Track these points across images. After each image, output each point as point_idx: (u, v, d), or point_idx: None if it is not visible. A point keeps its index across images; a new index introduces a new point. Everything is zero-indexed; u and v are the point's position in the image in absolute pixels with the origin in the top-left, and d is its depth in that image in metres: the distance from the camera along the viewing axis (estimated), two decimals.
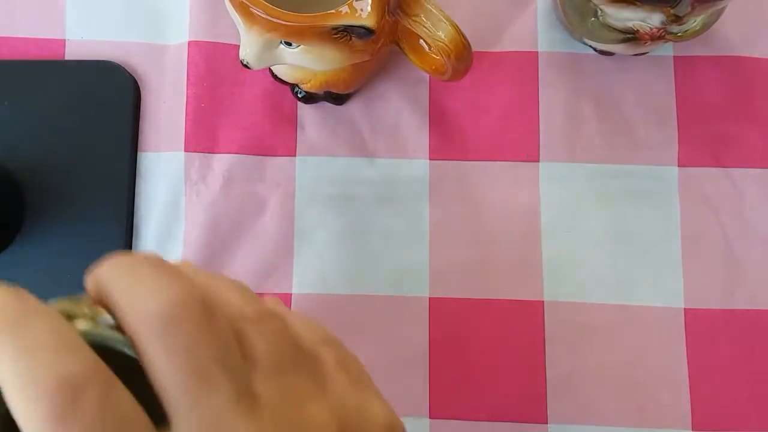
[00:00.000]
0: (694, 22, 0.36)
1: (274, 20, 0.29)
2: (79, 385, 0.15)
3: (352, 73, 0.36)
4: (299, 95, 0.40)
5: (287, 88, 0.41)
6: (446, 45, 0.31)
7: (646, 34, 0.35)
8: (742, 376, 0.38)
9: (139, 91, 0.41)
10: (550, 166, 0.40)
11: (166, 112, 0.41)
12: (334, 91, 0.38)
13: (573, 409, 0.38)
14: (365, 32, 0.29)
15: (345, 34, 0.30)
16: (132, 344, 0.17)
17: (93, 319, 0.18)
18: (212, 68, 0.41)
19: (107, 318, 0.18)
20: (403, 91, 0.41)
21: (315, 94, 0.39)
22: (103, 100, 0.41)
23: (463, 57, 0.32)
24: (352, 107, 0.41)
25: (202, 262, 0.39)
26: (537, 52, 0.41)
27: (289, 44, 0.31)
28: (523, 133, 0.40)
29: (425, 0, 0.31)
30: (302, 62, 0.32)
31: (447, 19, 0.31)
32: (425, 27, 0.31)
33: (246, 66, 0.32)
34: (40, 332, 0.16)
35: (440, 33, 0.31)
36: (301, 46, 0.31)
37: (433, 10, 0.31)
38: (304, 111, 0.41)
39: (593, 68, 0.41)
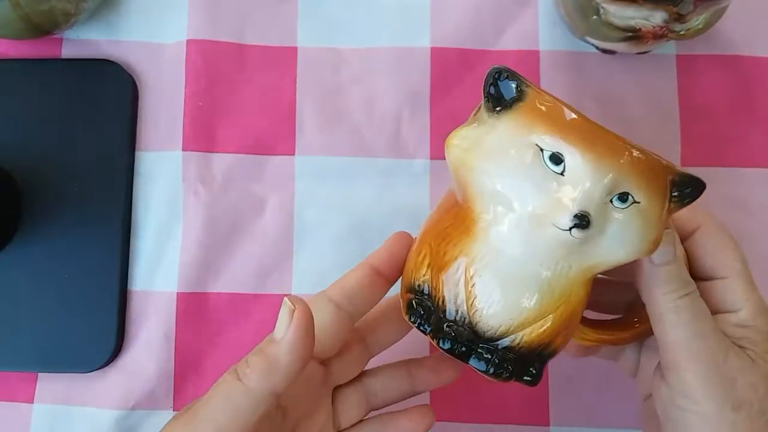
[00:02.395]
0: (697, 20, 0.36)
1: (640, 152, 0.24)
2: None
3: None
4: (491, 370, 0.26)
5: (287, 88, 0.41)
6: None
7: (649, 32, 0.35)
8: None
9: (137, 90, 0.41)
10: None
11: (164, 111, 0.41)
12: (552, 347, 0.27)
13: (575, 411, 0.38)
14: (692, 192, 0.26)
15: (675, 196, 0.26)
16: None
17: None
18: (210, 67, 0.40)
19: None
20: (403, 90, 0.40)
21: (520, 352, 0.26)
22: (101, 99, 0.40)
23: None
24: (353, 107, 0.40)
25: (200, 262, 0.39)
26: (538, 51, 0.41)
27: (623, 200, 0.24)
28: None
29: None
30: (617, 235, 0.24)
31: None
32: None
33: (582, 225, 0.23)
34: None
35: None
36: (634, 205, 0.24)
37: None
38: (304, 110, 0.40)
39: (595, 67, 0.40)
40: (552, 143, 0.24)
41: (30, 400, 0.39)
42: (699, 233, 0.29)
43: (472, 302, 0.26)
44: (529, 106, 0.25)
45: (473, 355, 0.26)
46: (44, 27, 0.38)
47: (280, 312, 0.25)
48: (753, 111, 0.40)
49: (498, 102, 0.25)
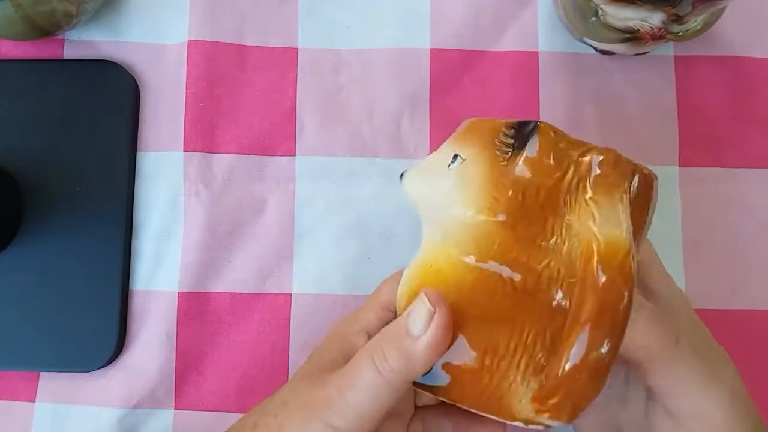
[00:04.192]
0: (695, 21, 0.36)
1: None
2: None
3: None
4: None
5: (288, 88, 0.41)
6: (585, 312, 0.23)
7: (647, 33, 0.35)
8: (743, 376, 0.38)
9: (139, 90, 0.41)
10: None
11: (165, 111, 0.41)
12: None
13: None
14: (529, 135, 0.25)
15: (511, 147, 0.25)
16: None
17: None
18: (211, 68, 0.41)
19: None
20: (403, 91, 0.41)
21: None
22: (103, 99, 0.40)
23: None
24: (353, 107, 0.41)
25: (201, 262, 0.39)
26: (537, 52, 0.41)
27: (454, 160, 0.26)
28: None
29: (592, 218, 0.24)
30: (449, 196, 0.26)
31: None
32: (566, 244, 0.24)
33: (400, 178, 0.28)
34: None
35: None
36: (460, 164, 0.26)
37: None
38: (304, 111, 0.41)
39: (594, 68, 0.41)
40: None
41: (32, 399, 0.39)
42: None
43: None
44: None
45: None
46: (46, 28, 0.38)
47: (417, 307, 0.26)
48: (751, 112, 0.40)
49: None
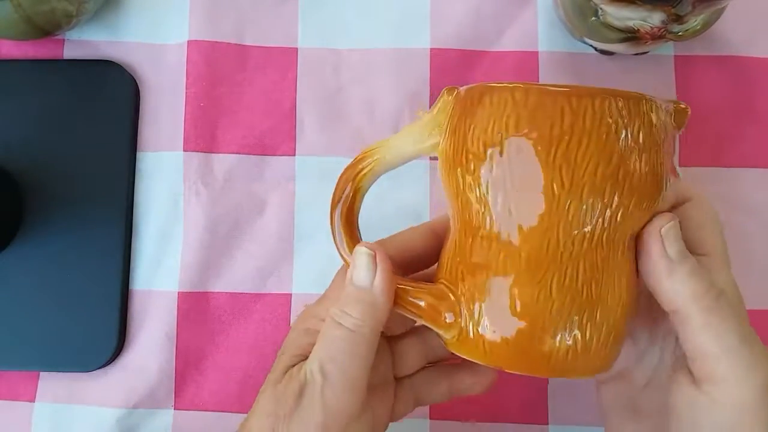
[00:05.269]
0: (695, 21, 0.36)
1: None
2: None
3: None
4: None
5: (288, 88, 0.41)
6: None
7: (647, 33, 0.35)
8: None
9: (139, 90, 0.41)
10: None
11: (165, 111, 0.41)
12: None
13: (574, 410, 0.38)
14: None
15: None
16: None
17: None
18: (211, 68, 0.41)
19: None
20: (403, 91, 0.41)
21: None
22: (103, 99, 0.40)
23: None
24: (353, 107, 0.41)
25: (201, 262, 0.39)
26: (537, 52, 0.41)
27: None
28: None
29: None
30: None
31: None
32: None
33: None
34: None
35: None
36: None
37: None
38: (304, 110, 0.41)
39: (594, 68, 0.41)
40: None
41: (32, 398, 0.39)
42: (688, 205, 0.28)
43: None
44: None
45: None
46: (46, 28, 0.38)
47: (357, 260, 0.27)
48: (751, 111, 0.40)
49: None
